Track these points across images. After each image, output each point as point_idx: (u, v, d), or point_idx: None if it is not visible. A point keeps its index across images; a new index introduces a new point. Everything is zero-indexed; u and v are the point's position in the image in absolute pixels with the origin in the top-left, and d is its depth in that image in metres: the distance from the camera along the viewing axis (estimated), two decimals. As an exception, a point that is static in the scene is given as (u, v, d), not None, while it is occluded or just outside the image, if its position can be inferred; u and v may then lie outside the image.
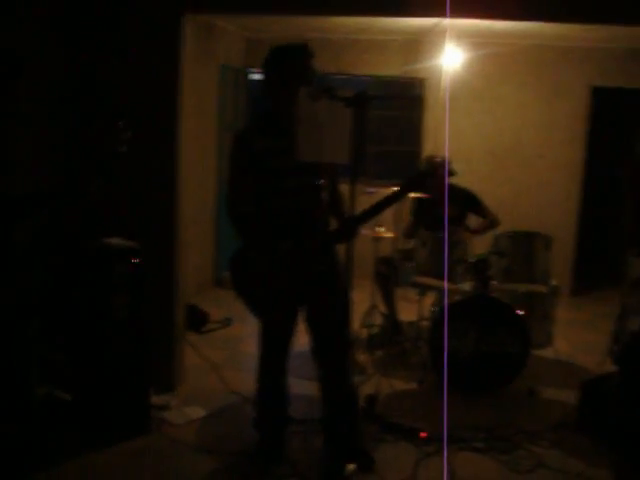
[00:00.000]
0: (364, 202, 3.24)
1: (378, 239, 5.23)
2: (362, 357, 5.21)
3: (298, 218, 3.37)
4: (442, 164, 5.63)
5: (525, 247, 4.95)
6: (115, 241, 3.88)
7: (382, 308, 5.82)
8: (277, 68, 3.29)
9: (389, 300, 5.75)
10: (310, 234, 3.38)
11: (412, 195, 5.37)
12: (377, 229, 5.12)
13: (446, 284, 4.77)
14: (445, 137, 7.63)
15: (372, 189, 5.05)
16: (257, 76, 9.10)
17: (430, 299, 5.67)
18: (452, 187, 5.56)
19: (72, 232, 4.12)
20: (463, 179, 5.84)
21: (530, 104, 7.91)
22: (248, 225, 3.35)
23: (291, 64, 3.27)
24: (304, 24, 7.11)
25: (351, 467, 3.48)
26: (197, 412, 4.26)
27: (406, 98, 8.53)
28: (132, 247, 3.86)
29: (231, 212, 3.36)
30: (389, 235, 5.12)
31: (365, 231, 4.96)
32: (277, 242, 3.28)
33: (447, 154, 5.66)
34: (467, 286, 5.03)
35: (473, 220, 5.77)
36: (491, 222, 5.65)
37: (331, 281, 3.43)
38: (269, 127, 3.35)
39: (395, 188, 3.29)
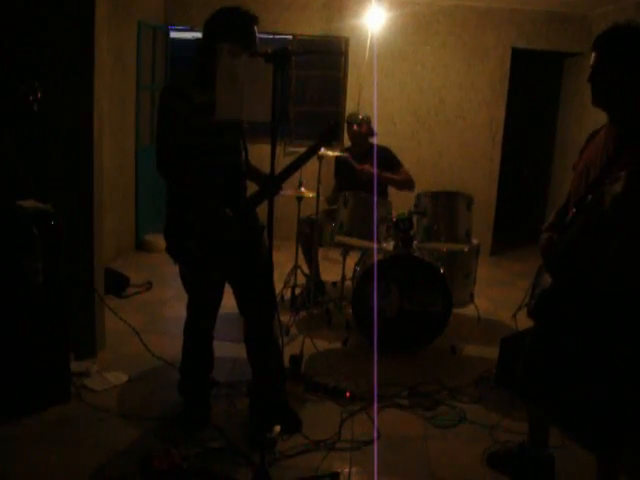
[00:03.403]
0: (286, 162, 3.20)
1: (301, 199, 5.19)
2: (286, 318, 5.20)
3: (231, 176, 3.33)
4: (364, 121, 5.67)
5: (447, 207, 4.96)
6: (30, 203, 3.73)
7: (305, 269, 5.83)
8: (228, 29, 3.16)
9: (312, 260, 5.74)
10: (241, 194, 3.37)
11: (332, 154, 5.31)
12: (300, 189, 5.08)
13: (375, 243, 4.77)
14: (373, 96, 7.64)
15: (295, 149, 5.00)
16: (177, 33, 8.90)
17: (353, 259, 5.69)
18: (373, 146, 5.59)
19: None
20: (386, 139, 5.84)
21: (452, 64, 7.96)
22: (181, 181, 3.22)
23: (243, 28, 3.16)
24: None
25: (277, 428, 3.48)
26: (119, 378, 4.18)
27: (327, 53, 8.45)
28: (48, 210, 3.73)
29: (163, 167, 3.21)
30: (312, 195, 5.07)
31: (288, 191, 4.92)
32: (217, 206, 3.18)
33: (376, 113, 5.65)
34: (390, 245, 5.05)
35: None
36: (405, 180, 5.68)
37: (258, 242, 3.43)
38: (207, 82, 3.19)
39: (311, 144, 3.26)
